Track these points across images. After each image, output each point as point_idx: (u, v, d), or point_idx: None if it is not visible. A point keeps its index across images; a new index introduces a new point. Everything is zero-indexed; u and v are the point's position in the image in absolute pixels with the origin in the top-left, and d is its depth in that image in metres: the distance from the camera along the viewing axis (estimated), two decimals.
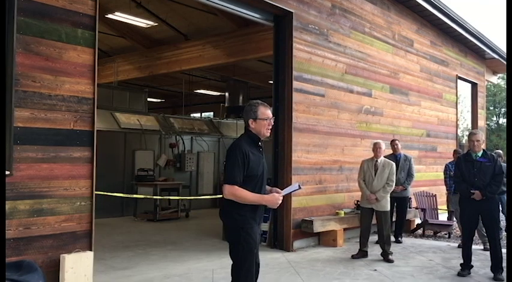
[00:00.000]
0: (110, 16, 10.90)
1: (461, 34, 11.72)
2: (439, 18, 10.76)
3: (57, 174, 4.80)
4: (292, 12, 7.48)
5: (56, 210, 4.78)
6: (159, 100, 21.96)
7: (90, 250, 4.98)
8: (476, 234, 6.52)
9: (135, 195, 9.65)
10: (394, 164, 6.99)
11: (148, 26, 11.79)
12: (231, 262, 3.47)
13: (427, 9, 10.28)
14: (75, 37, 4.94)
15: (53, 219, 4.76)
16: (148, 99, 14.95)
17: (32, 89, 4.64)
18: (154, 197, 9.94)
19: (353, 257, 6.85)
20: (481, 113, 13.98)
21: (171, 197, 10.80)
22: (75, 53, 4.95)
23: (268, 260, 6.62)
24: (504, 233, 7.34)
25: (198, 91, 19.24)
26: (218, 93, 19.34)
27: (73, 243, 4.88)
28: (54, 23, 4.79)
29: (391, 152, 8.24)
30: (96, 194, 5.13)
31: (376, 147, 6.92)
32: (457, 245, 7.85)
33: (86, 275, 4.78)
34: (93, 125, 5.08)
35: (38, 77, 4.68)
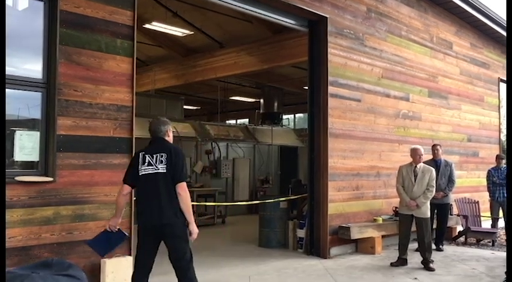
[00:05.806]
0: (147, 26, 11.15)
1: (503, 35, 11.33)
2: (479, 20, 10.45)
3: (98, 181, 4.94)
4: (327, 17, 7.44)
5: (96, 215, 4.92)
6: (195, 107, 22.24)
7: (130, 255, 5.08)
8: None
9: None
10: (433, 169, 6.83)
11: (184, 34, 11.99)
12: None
13: (466, 11, 10.01)
14: (115, 47, 5.09)
15: (94, 225, 4.89)
16: (185, 107, 15.17)
17: (74, 98, 4.80)
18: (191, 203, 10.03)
19: (392, 264, 6.71)
20: None
21: (207, 203, 10.89)
22: (115, 63, 5.09)
23: (305, 267, 6.56)
24: None
25: (233, 98, 19.37)
26: (253, 100, 19.41)
27: None
28: (94, 33, 4.95)
29: (430, 157, 8.04)
30: (134, 200, 5.23)
31: (415, 154, 6.78)
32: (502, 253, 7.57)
33: (125, 279, 4.87)
34: (132, 132, 5.20)
35: (79, 86, 4.84)
